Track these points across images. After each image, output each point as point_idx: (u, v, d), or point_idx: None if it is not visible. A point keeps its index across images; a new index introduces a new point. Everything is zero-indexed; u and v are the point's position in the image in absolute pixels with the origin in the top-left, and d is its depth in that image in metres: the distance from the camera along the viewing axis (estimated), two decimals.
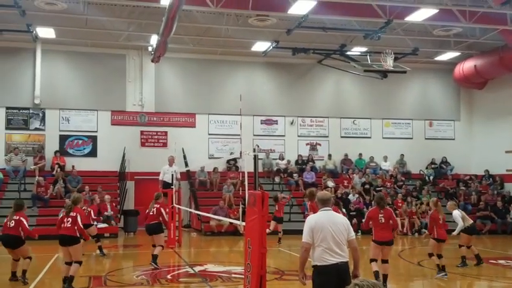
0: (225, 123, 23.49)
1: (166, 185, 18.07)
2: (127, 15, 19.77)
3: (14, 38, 20.79)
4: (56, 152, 21.58)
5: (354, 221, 19.57)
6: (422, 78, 25.60)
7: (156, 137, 22.91)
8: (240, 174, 21.43)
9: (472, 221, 13.31)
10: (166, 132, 22.94)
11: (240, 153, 20.20)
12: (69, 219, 9.74)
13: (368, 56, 20.78)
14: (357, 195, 21.74)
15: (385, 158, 24.67)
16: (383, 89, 24.33)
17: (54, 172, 20.93)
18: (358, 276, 6.00)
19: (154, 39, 19.43)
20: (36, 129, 21.89)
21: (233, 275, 11.28)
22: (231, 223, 18.50)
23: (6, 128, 21.63)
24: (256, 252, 6.99)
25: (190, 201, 21.93)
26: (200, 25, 20.33)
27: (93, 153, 22.31)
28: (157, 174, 19.39)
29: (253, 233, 7.12)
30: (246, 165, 8.27)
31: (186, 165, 21.37)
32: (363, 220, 15.52)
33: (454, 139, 26.01)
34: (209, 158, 22.99)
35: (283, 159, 23.80)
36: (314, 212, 7.21)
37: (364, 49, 22.05)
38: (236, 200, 20.20)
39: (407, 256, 15.16)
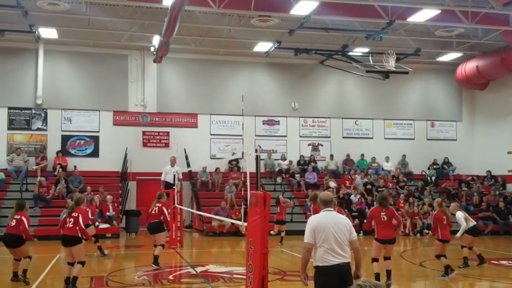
0: (227, 123, 23.48)
1: (168, 186, 18.04)
2: (129, 15, 19.80)
3: (17, 38, 20.79)
4: (58, 152, 21.59)
5: (356, 221, 19.62)
6: (424, 79, 25.58)
7: (158, 137, 22.90)
8: (242, 174, 21.46)
9: (475, 222, 13.30)
10: (168, 133, 22.94)
11: (242, 153, 20.25)
12: (71, 219, 9.83)
13: (370, 57, 20.72)
14: (358, 196, 21.73)
15: (387, 159, 24.67)
16: (385, 90, 24.30)
17: (56, 172, 20.95)
18: (359, 277, 5.99)
19: (156, 40, 19.43)
20: (38, 129, 21.90)
21: (235, 276, 11.28)
22: (232, 224, 18.49)
23: (9, 128, 21.64)
24: (258, 252, 6.98)
25: (192, 201, 21.94)
26: (202, 25, 20.34)
27: (95, 153, 22.31)
28: (159, 174, 19.41)
29: (255, 233, 7.11)
30: (248, 166, 8.28)
31: (188, 165, 21.37)
32: (365, 221, 15.50)
33: (456, 140, 25.98)
34: (211, 158, 22.98)
35: (285, 159, 23.81)
36: None
37: (366, 50, 22.04)
38: (238, 200, 20.15)
39: (409, 257, 15.14)
